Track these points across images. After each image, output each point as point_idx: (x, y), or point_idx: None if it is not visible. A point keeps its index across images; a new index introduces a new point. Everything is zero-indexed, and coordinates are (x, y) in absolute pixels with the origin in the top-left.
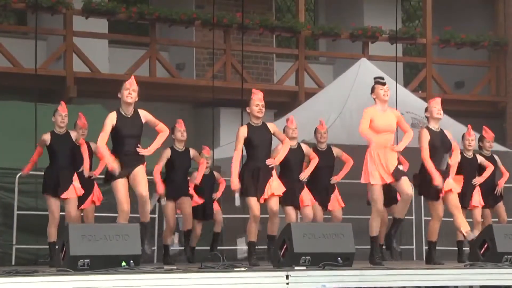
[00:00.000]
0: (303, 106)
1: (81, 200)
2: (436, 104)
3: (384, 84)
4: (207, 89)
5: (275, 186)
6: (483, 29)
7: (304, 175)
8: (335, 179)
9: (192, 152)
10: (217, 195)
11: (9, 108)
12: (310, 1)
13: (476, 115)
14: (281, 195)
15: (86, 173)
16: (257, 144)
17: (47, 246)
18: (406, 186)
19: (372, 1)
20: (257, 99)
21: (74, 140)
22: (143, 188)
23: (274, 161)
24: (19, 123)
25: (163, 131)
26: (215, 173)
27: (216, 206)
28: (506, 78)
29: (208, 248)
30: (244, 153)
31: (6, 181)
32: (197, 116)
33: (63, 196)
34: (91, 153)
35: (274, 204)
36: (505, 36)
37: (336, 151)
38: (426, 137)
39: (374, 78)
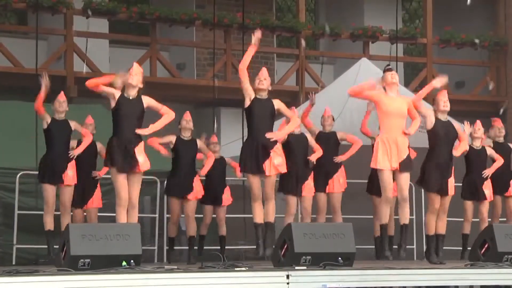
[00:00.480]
0: (304, 106)
1: (84, 200)
2: (442, 97)
3: (391, 69)
4: (208, 89)
5: (277, 163)
6: (484, 29)
7: (313, 158)
8: (340, 158)
9: (200, 143)
10: (238, 175)
11: (10, 108)
12: (311, 1)
13: (477, 115)
14: (285, 171)
15: (71, 153)
16: (258, 115)
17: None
18: (405, 185)
19: (373, 1)
20: (260, 73)
21: (73, 128)
22: (133, 194)
23: (275, 135)
24: (20, 123)
25: (167, 113)
26: (227, 159)
27: (226, 199)
28: (506, 78)
29: (209, 247)
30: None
31: (7, 181)
32: (197, 116)
33: (57, 182)
34: (96, 153)
35: (270, 187)
36: (505, 36)
37: (340, 134)
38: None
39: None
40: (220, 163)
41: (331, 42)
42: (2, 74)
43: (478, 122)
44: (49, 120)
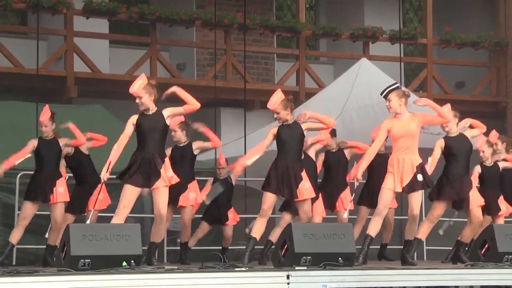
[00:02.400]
0: (304, 106)
1: (82, 207)
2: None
3: (409, 96)
4: (208, 89)
5: (307, 189)
6: (484, 30)
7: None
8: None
9: (194, 145)
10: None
11: (10, 108)
12: (311, 1)
13: (477, 116)
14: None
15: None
16: (287, 140)
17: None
18: (416, 203)
19: (373, 1)
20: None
21: (61, 144)
22: (162, 206)
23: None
24: (20, 123)
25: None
26: (232, 178)
27: (231, 219)
28: (506, 78)
29: (208, 248)
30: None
31: (7, 182)
32: (197, 116)
33: (48, 201)
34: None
35: (309, 207)
36: (505, 36)
37: (347, 151)
38: (438, 143)
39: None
40: (225, 183)
41: (331, 42)
42: (2, 74)
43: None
44: (35, 143)
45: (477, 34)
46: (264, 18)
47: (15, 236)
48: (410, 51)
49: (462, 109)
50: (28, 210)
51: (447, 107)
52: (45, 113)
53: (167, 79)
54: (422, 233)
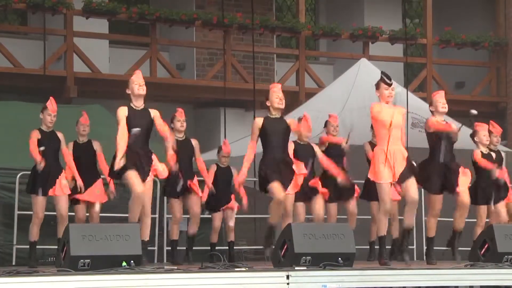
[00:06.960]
0: (304, 106)
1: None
2: (440, 98)
3: (390, 84)
4: (208, 89)
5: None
6: (484, 30)
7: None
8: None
9: (194, 142)
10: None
11: (10, 108)
12: (311, 1)
13: (477, 115)
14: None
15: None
16: (272, 133)
17: (48, 247)
18: (413, 189)
19: (373, 1)
20: (277, 90)
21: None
22: (147, 202)
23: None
24: (20, 123)
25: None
26: (233, 170)
27: (232, 204)
28: (506, 78)
29: (209, 248)
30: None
31: (7, 181)
32: (197, 117)
33: (51, 193)
34: (94, 152)
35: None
36: (505, 36)
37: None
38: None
39: (381, 72)
40: (227, 171)
41: (331, 42)
42: (2, 74)
43: (485, 127)
44: (38, 135)
45: (477, 34)
46: (263, 18)
47: (34, 232)
48: (410, 51)
49: (462, 109)
50: (39, 204)
51: (441, 93)
52: (54, 103)
53: (167, 79)
54: (432, 230)
